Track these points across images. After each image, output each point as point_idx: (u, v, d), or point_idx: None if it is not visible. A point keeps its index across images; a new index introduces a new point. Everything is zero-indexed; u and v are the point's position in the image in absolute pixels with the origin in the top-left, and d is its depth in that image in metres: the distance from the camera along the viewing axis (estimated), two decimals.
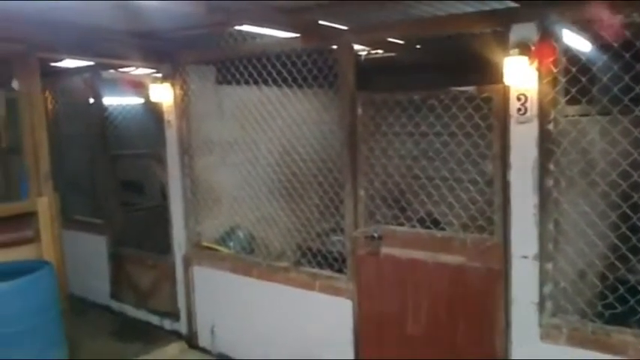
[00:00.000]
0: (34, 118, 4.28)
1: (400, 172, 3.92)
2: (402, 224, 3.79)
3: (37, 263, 4.03)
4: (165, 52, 4.89)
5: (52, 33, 4.12)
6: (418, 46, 5.02)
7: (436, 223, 3.73)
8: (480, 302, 3.45)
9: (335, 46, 3.92)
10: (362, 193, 3.88)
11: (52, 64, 6.05)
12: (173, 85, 4.99)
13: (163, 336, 5.37)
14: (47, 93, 6.61)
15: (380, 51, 5.18)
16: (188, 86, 4.97)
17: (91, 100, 6.25)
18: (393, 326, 3.82)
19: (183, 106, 5.00)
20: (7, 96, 6.38)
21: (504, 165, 3.24)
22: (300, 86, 4.33)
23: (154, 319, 5.64)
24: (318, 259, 4.48)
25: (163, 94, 5.03)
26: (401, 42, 4.74)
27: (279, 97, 4.69)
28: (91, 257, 6.27)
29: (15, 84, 4.27)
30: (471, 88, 3.35)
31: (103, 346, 5.17)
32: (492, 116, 3.27)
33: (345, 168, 3.94)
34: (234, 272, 4.75)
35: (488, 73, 3.57)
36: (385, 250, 3.80)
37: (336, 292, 4.08)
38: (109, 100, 6.61)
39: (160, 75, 5.18)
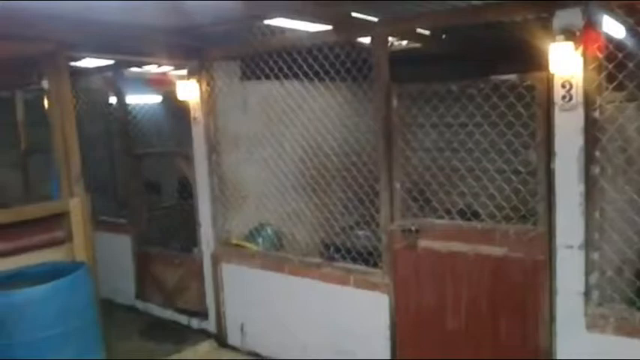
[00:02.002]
0: (64, 117, 4.24)
1: (438, 163, 3.87)
2: (440, 217, 3.73)
3: (72, 265, 3.99)
4: (192, 48, 4.86)
5: (79, 31, 4.10)
6: (444, 36, 4.96)
7: (476, 215, 3.68)
8: (523, 294, 3.40)
9: (368, 38, 3.88)
10: (398, 185, 3.84)
11: (72, 63, 6.05)
12: (200, 81, 4.96)
13: (192, 335, 5.33)
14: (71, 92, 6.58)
15: (404, 42, 5.13)
16: (215, 82, 4.94)
17: (114, 99, 6.22)
18: (432, 321, 3.77)
19: (211, 102, 4.97)
20: (28, 97, 6.39)
21: (548, 154, 3.19)
22: (332, 79, 4.28)
23: (182, 319, 5.61)
24: (342, 254, 4.44)
25: (190, 90, 5.00)
26: (427, 32, 4.70)
27: (309, 91, 4.65)
28: (115, 258, 6.24)
29: (44, 83, 4.24)
30: (512, 77, 3.30)
31: (134, 346, 5.14)
32: (535, 104, 3.22)
33: (380, 160, 3.89)
34: (264, 269, 4.71)
35: (521, 61, 3.53)
36: (423, 243, 3.76)
37: (371, 286, 4.03)
38: (132, 99, 6.60)
39: (185, 72, 5.15)
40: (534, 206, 3.31)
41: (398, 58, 4.95)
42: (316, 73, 4.30)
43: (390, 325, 3.96)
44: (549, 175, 3.20)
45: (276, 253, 4.82)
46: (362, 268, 4.15)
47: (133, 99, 6.88)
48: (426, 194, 3.86)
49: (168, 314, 5.76)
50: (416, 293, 3.83)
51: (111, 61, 5.72)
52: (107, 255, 6.34)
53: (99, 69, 6.11)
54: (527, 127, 3.31)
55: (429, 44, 4.98)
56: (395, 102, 3.77)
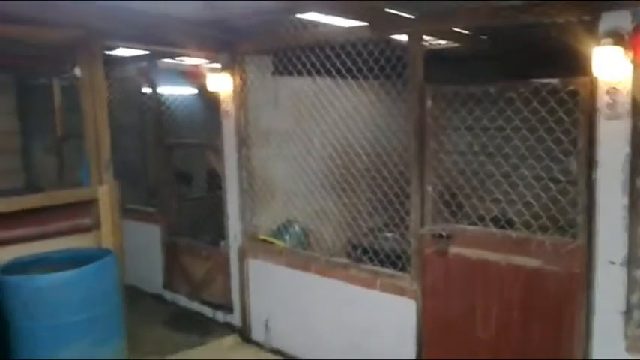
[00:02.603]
0: (96, 105, 4.25)
1: (472, 168, 3.74)
2: (473, 223, 3.60)
3: (98, 251, 4.02)
4: (224, 41, 4.81)
5: (113, 20, 4.08)
6: (484, 37, 4.80)
7: (511, 224, 3.54)
8: (558, 309, 3.25)
9: (404, 36, 3.76)
10: (429, 189, 3.72)
11: (107, 52, 6.08)
12: (232, 74, 4.91)
13: (216, 328, 5.34)
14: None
15: (441, 42, 4.98)
16: (247, 76, 4.88)
17: (147, 90, 6.23)
18: (460, 330, 3.66)
19: (242, 96, 4.92)
20: (65, 84, 6.45)
21: (590, 163, 3.03)
22: (365, 77, 4.17)
23: (207, 311, 5.62)
24: (366, 250, 4.35)
25: (222, 83, 4.96)
26: (466, 32, 4.54)
27: (341, 88, 4.55)
28: (144, 246, 6.29)
29: (77, 71, 4.25)
30: (554, 80, 3.13)
31: (159, 335, 5.18)
32: (578, 110, 3.06)
33: (412, 162, 3.78)
34: (290, 266, 4.66)
35: (564, 65, 3.37)
36: (454, 249, 3.64)
37: (398, 291, 3.93)
38: (165, 90, 6.61)
39: (217, 65, 5.11)
40: (573, 217, 3.15)
41: (435, 58, 4.84)
42: (349, 70, 4.19)
43: (417, 332, 3.86)
44: (590, 185, 3.04)
45: (302, 251, 4.76)
46: (389, 271, 4.06)
47: (167, 90, 6.91)
48: (459, 199, 3.73)
49: (195, 305, 5.78)
50: (444, 301, 3.72)
51: (145, 52, 5.73)
52: (136, 243, 6.41)
53: (134, 59, 6.13)
54: (569, 134, 3.14)
55: (468, 44, 4.83)
56: (429, 103, 3.65)
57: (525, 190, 3.43)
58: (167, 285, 6.12)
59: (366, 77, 4.19)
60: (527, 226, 3.38)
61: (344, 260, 4.37)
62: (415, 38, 3.70)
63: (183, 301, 5.92)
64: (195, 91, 7.17)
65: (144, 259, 6.33)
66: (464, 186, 3.69)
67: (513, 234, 3.38)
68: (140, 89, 6.63)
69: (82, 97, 4.26)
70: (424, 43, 3.90)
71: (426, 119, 3.67)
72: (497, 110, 3.51)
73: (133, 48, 5.32)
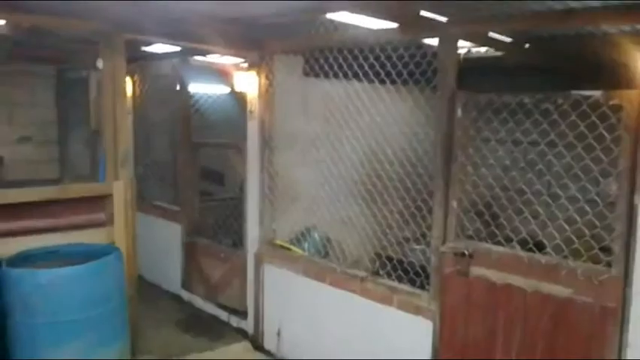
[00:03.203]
0: (117, 100, 4.18)
1: (502, 184, 3.46)
2: (499, 243, 3.33)
3: (105, 247, 3.93)
4: (254, 39, 4.68)
5: (139, 13, 4.01)
6: (527, 45, 4.51)
7: (540, 247, 3.25)
8: (587, 344, 2.95)
9: (436, 39, 3.53)
10: (454, 204, 3.46)
11: (143, 48, 6.06)
12: (259, 74, 4.78)
13: (229, 333, 5.20)
14: (136, 77, 6.64)
15: (482, 49, 4.72)
16: (274, 76, 4.73)
17: (178, 87, 6.17)
18: (479, 357, 3.38)
19: (268, 96, 4.77)
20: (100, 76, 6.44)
21: (632, 186, 2.73)
22: (393, 82, 3.96)
23: (222, 315, 5.49)
24: (394, 266, 4.12)
25: (248, 83, 4.83)
26: (508, 40, 4.27)
27: (369, 93, 4.35)
28: (166, 244, 6.23)
29: (99, 63, 4.20)
30: (596, 93, 2.84)
31: (167, 336, 5.07)
32: (622, 127, 2.76)
33: (437, 175, 3.53)
34: (306, 275, 4.47)
35: (610, 79, 3.08)
36: (476, 270, 3.37)
37: (415, 310, 3.68)
38: (196, 88, 6.55)
39: (246, 64, 4.99)
40: (609, 245, 2.85)
41: (475, 68, 4.60)
42: (377, 74, 3.99)
43: (432, 355, 3.60)
44: (631, 210, 2.74)
45: (319, 260, 4.56)
46: (407, 288, 3.81)
47: (200, 88, 6.84)
48: (485, 217, 3.46)
49: (210, 308, 5.66)
50: (463, 324, 3.45)
51: (176, 48, 5.67)
52: (159, 241, 6.38)
53: (167, 55, 6.09)
54: (609, 153, 2.85)
55: (511, 53, 4.55)
56: (459, 112, 3.40)
57: (558, 212, 3.14)
58: (185, 285, 6.02)
59: (394, 82, 3.97)
60: (558, 250, 3.08)
61: (361, 273, 4.13)
62: (447, 42, 3.47)
63: (199, 302, 5.81)
64: (227, 90, 7.08)
65: (166, 258, 6.27)
66: (491, 203, 3.42)
67: (542, 258, 3.09)
68: (174, 86, 6.59)
69: (103, 90, 4.20)
70: (460, 49, 3.68)
71: (455, 129, 3.43)
72: (532, 123, 3.23)
73: (159, 42, 5.22)
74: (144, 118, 6.71)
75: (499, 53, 4.55)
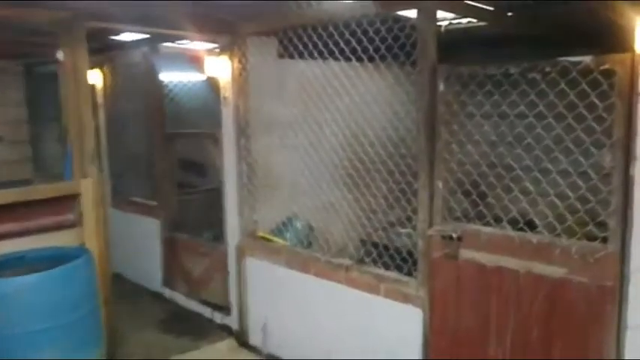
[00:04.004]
0: (79, 92, 3.93)
1: (489, 161, 3.27)
2: (488, 224, 3.15)
3: (75, 250, 3.70)
4: (224, 22, 4.43)
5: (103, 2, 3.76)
6: (509, 14, 4.30)
7: (532, 226, 3.07)
8: (584, 325, 2.78)
9: (414, 11, 3.32)
10: (440, 184, 3.27)
11: (112, 37, 5.79)
12: (231, 58, 4.54)
13: (213, 330, 5.00)
14: (106, 68, 6.36)
15: (463, 21, 4.51)
16: (247, 60, 4.49)
17: (149, 76, 5.91)
18: (471, 344, 3.21)
19: (242, 81, 4.53)
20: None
21: (627, 156, 2.55)
22: (371, 59, 3.74)
23: (205, 311, 5.28)
24: (380, 253, 3.93)
25: (220, 68, 4.59)
26: (489, 8, 4.06)
27: (347, 72, 4.13)
28: (144, 241, 6.01)
29: (60, 55, 3.94)
30: (586, 59, 2.65)
31: (150, 337, 4.85)
32: (614, 94, 2.58)
33: (420, 154, 3.34)
34: (289, 267, 4.27)
35: (602, 45, 2.89)
36: (466, 253, 3.19)
37: (404, 298, 3.50)
38: (169, 76, 6.30)
39: (218, 48, 4.74)
40: (605, 220, 2.68)
41: (456, 41, 4.39)
42: (354, 51, 3.76)
43: (423, 344, 3.43)
44: (627, 182, 2.56)
45: (302, 250, 4.36)
46: (394, 275, 3.63)
47: (173, 76, 6.59)
48: (473, 196, 3.27)
49: (193, 305, 5.45)
50: (454, 311, 3.28)
51: (144, 35, 5.41)
52: (138, 238, 6.15)
53: (137, 43, 5.82)
54: (603, 122, 2.66)
55: (492, 23, 4.34)
56: (441, 86, 3.20)
57: (549, 187, 2.95)
58: (166, 282, 5.80)
59: (372, 60, 3.76)
60: (551, 229, 2.90)
61: (346, 261, 3.94)
62: (425, 13, 3.26)
63: (181, 300, 5.60)
64: (202, 77, 6.83)
65: (145, 255, 6.05)
66: (478, 182, 3.23)
67: (534, 238, 2.91)
68: (145, 75, 6.33)
69: (64, 83, 3.95)
70: (440, 21, 3.49)
71: (438, 105, 3.22)
72: (518, 94, 3.03)
73: (124, 30, 4.97)
74: (116, 110, 6.45)
75: (482, 24, 4.34)
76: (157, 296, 5.84)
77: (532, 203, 3.09)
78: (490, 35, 4.64)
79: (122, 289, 5.98)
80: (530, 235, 2.94)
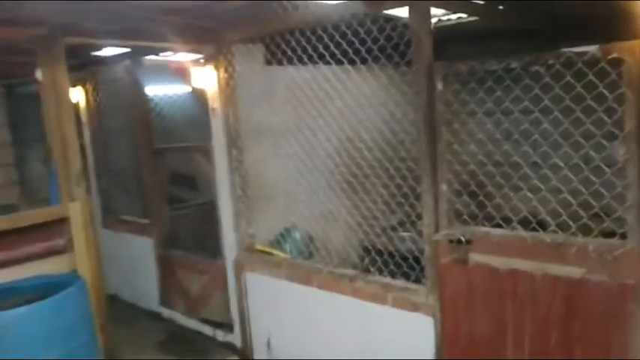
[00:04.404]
0: (61, 112, 3.76)
1: (494, 160, 3.14)
2: (497, 226, 3.02)
3: (67, 278, 3.52)
4: (207, 30, 4.28)
5: (78, 14, 3.59)
6: (500, 7, 4.18)
7: (544, 226, 2.95)
8: (605, 327, 2.66)
9: (406, 8, 3.18)
10: (444, 187, 3.14)
11: (93, 52, 5.61)
12: (217, 67, 4.39)
13: (216, 349, 4.84)
14: (88, 85, 6.19)
15: (452, 17, 4.39)
16: (233, 68, 4.34)
17: (133, 90, 5.74)
18: (488, 352, 3.07)
19: (229, 91, 4.38)
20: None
21: None
22: (363, 61, 3.61)
23: (207, 330, 5.11)
24: (385, 261, 3.79)
25: (206, 78, 4.43)
26: (480, 2, 3.95)
27: (338, 76, 4.00)
28: (138, 261, 5.83)
29: (38, 73, 3.77)
30: (592, 48, 2.53)
31: None
32: (624, 83, 2.46)
33: (422, 157, 3.20)
34: (290, 280, 4.12)
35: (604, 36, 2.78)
36: (476, 257, 3.06)
37: (413, 307, 3.37)
38: (155, 89, 6.14)
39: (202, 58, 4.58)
40: (622, 215, 2.56)
41: (448, 37, 4.27)
42: (345, 54, 3.63)
43: (436, 353, 3.29)
44: None
45: (303, 262, 4.21)
46: (401, 283, 3.49)
47: (159, 89, 6.43)
48: (479, 197, 3.14)
49: (193, 324, 5.28)
50: (467, 318, 3.14)
51: (126, 49, 5.24)
52: (131, 257, 5.97)
53: (119, 57, 5.65)
54: (613, 114, 2.54)
55: (484, 17, 4.22)
56: (439, 85, 3.07)
57: (560, 184, 2.83)
58: (163, 302, 5.62)
59: (364, 61, 3.63)
60: (565, 227, 2.78)
61: (349, 271, 3.81)
62: (418, 11, 3.13)
63: (180, 319, 5.42)
64: (188, 89, 6.67)
65: (140, 275, 5.87)
66: (484, 182, 3.10)
67: (548, 238, 2.79)
68: (129, 90, 6.16)
69: (45, 102, 3.77)
70: (438, 21, 3.36)
71: (437, 104, 3.09)
72: (522, 89, 2.91)
73: (105, 44, 4.79)
74: (102, 127, 6.27)
75: (473, 19, 4.22)
76: (155, 316, 5.66)
77: (543, 202, 2.96)
78: (478, 30, 4.53)
79: (119, 311, 5.81)
80: (543, 235, 2.81)
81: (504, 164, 3.08)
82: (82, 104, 6.29)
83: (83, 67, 6.03)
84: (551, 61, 2.66)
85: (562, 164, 2.84)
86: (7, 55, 5.07)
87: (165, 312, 5.61)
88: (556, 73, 2.66)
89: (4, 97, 7.63)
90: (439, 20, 4.44)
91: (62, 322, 3.15)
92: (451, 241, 3.13)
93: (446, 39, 3.94)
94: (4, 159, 7.78)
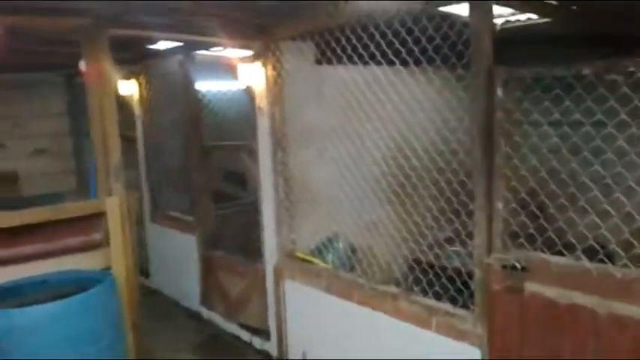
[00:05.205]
0: (104, 104, 3.68)
1: (558, 178, 2.78)
2: (559, 253, 2.67)
3: (98, 275, 3.43)
4: (257, 26, 4.11)
5: (123, 5, 3.49)
6: (574, 7, 3.78)
7: (612, 258, 2.57)
8: None
9: (466, 5, 2.88)
10: (499, 205, 2.81)
11: (147, 46, 5.58)
12: (265, 64, 4.20)
13: (251, 356, 4.68)
14: (142, 78, 6.17)
15: (522, 17, 4.02)
16: (282, 66, 4.15)
17: (184, 85, 5.66)
18: None
19: (276, 89, 4.19)
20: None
21: None
22: (417, 62, 3.32)
23: (244, 335, 4.96)
24: (430, 281, 3.50)
25: (254, 75, 4.26)
26: (553, 2, 3.57)
27: (390, 78, 3.72)
28: (182, 258, 5.75)
29: (82, 65, 3.71)
30: None
31: None
32: None
33: (476, 170, 2.89)
34: (330, 292, 3.90)
35: None
36: (532, 287, 2.72)
37: (458, 334, 3.06)
38: (206, 85, 6.05)
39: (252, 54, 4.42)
40: None
41: (512, 40, 3.91)
42: (397, 54, 3.35)
43: None
44: None
45: (344, 274, 3.96)
46: (447, 308, 3.18)
47: (212, 85, 6.35)
48: (539, 220, 2.79)
49: (231, 328, 5.14)
50: (518, 353, 2.81)
51: (178, 43, 5.16)
52: (175, 254, 5.92)
53: (172, 51, 5.58)
54: None
55: (556, 18, 3.83)
56: (499, 91, 2.75)
57: (635, 211, 2.45)
58: (204, 302, 5.52)
59: (418, 63, 3.34)
60: (638, 262, 2.40)
61: (392, 289, 3.53)
62: (479, 8, 2.82)
63: (219, 321, 5.30)
64: (241, 86, 6.55)
65: (183, 272, 5.80)
66: (546, 202, 2.75)
67: (617, 272, 2.42)
68: (181, 85, 6.11)
69: (88, 94, 3.71)
70: (495, 17, 3.04)
71: (496, 112, 2.77)
72: (594, 99, 2.55)
73: (154, 38, 4.71)
74: (153, 121, 6.24)
75: (544, 20, 3.84)
76: (195, 316, 5.56)
77: (613, 230, 2.58)
78: (545, 34, 4.14)
79: (160, 308, 5.79)
80: (612, 269, 2.44)
81: (570, 184, 2.71)
82: (135, 97, 6.29)
83: (137, 60, 6.02)
84: (631, 69, 2.30)
85: (639, 188, 2.46)
86: (65, 45, 5.10)
87: (205, 312, 5.50)
88: (636, 82, 2.29)
89: (63, 87, 7.82)
90: (506, 21, 4.09)
91: (87, 320, 3.05)
92: (505, 267, 2.81)
93: (510, 42, 3.60)
94: (62, 148, 7.98)
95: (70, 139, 7.98)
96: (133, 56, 6.00)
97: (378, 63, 3.58)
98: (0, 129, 7.39)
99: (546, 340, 2.67)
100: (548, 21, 3.89)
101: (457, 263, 4.08)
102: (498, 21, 4.03)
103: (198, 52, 5.38)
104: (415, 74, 3.56)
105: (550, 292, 2.64)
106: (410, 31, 3.20)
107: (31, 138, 7.73)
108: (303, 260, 4.23)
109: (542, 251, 2.73)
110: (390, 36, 3.34)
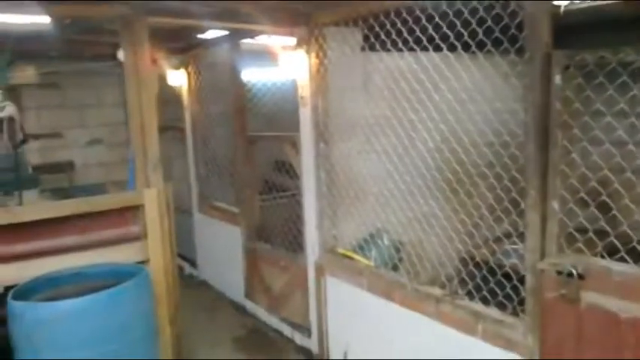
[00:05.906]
0: (142, 95, 3.62)
1: (624, 177, 2.48)
2: (622, 260, 2.38)
3: (132, 269, 3.39)
4: (300, 11, 3.95)
5: None
6: None
7: None
8: None
9: None
10: (555, 205, 2.54)
11: (198, 35, 5.53)
12: (308, 52, 4.04)
13: (292, 352, 4.58)
14: (190, 68, 6.15)
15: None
16: (325, 54, 3.97)
17: (230, 75, 5.58)
18: None
19: (319, 78, 4.02)
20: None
21: None
22: (465, 47, 3.06)
23: (286, 330, 4.86)
24: (478, 286, 3.26)
25: (297, 64, 4.11)
26: None
27: (437, 65, 3.46)
28: (228, 250, 5.71)
29: (120, 54, 3.66)
30: None
31: (220, 356, 4.50)
32: None
33: (529, 166, 2.63)
34: (371, 291, 3.72)
35: None
36: (589, 296, 2.44)
37: (506, 344, 2.81)
38: (253, 75, 5.95)
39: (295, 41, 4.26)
40: None
41: (578, 25, 3.58)
42: (445, 39, 3.11)
43: None
44: None
45: (386, 273, 3.76)
46: (495, 314, 2.94)
47: (257, 75, 6.25)
48: (601, 222, 2.51)
49: (274, 322, 5.05)
50: None
51: (225, 32, 5.08)
52: (221, 245, 5.89)
53: (218, 40, 5.51)
54: None
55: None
56: (557, 78, 2.47)
57: None
58: (248, 295, 5.45)
59: (468, 49, 3.07)
60: None
61: (436, 291, 3.31)
62: None
63: (263, 314, 5.22)
64: (288, 76, 6.42)
65: (228, 265, 5.76)
66: (609, 203, 2.46)
67: None
68: (228, 74, 6.04)
69: (127, 85, 3.66)
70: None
71: (553, 102, 2.50)
72: None
73: (193, 23, 4.58)
74: (201, 111, 6.21)
75: (614, 1, 3.48)
76: (239, 308, 5.52)
77: None
78: (612, 18, 3.76)
79: (206, 299, 5.79)
80: None
81: (637, 182, 2.41)
82: (184, 88, 6.28)
83: (185, 50, 6.00)
84: None
85: None
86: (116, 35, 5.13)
87: (250, 305, 5.44)
88: None
89: (119, 77, 7.92)
90: (571, 2, 3.74)
91: (117, 315, 2.99)
92: (560, 273, 2.54)
93: (573, 27, 3.27)
94: (118, 138, 8.11)
95: (125, 130, 8.10)
96: (183, 46, 5.99)
97: (424, 49, 3.34)
98: (58, 119, 7.58)
99: (606, 355, 2.39)
100: (619, 2, 3.53)
101: (513, 260, 3.81)
102: (562, 2, 3.70)
103: (244, 40, 5.27)
104: (464, 61, 3.29)
105: (610, 303, 2.36)
106: (459, 13, 2.94)
107: (88, 128, 7.91)
108: (345, 256, 4.06)
109: (603, 257, 2.44)
110: (437, 19, 3.10)
